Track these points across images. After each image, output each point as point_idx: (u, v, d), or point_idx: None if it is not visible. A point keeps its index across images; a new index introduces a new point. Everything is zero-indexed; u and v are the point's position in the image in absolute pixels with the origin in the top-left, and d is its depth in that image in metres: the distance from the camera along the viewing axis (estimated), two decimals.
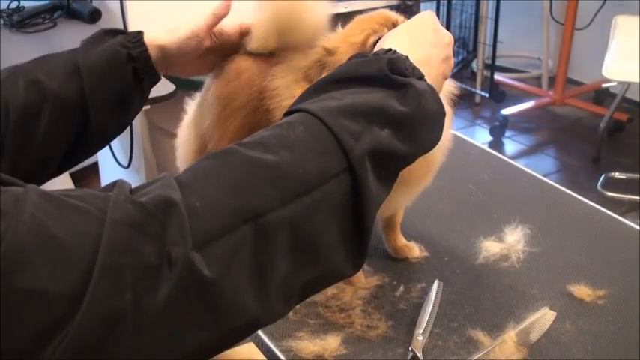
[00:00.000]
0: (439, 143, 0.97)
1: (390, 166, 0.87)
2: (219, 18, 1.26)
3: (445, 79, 1.04)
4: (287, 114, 0.87)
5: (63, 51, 1.20)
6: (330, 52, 1.17)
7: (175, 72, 1.32)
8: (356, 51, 1.15)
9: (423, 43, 1.00)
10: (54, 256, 0.65)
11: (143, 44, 1.21)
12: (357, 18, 1.22)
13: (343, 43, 1.18)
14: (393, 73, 0.89)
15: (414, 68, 0.92)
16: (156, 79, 1.24)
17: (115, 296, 0.66)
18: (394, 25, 1.17)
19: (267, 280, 0.76)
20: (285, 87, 1.19)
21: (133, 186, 0.76)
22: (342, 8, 2.86)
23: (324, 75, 1.12)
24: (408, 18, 1.13)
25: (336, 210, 0.80)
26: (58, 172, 1.22)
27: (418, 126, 0.89)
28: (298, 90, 1.16)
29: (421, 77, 0.92)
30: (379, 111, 0.85)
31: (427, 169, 1.24)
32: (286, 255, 0.76)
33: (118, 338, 0.66)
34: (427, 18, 1.06)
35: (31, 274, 0.64)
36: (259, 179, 0.76)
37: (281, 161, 0.78)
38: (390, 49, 0.94)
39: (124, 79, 1.18)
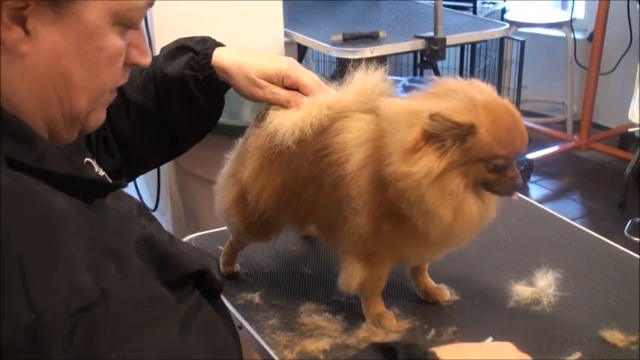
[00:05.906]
0: (490, 216, 1.28)
1: None
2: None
3: None
4: None
5: None
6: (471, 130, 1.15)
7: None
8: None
9: None
10: None
11: (210, 67, 1.28)
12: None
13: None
14: None
15: None
16: (226, 88, 1.33)
17: None
18: None
19: None
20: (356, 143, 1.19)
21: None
22: (369, 53, 2.89)
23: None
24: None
25: None
26: (159, 162, 1.59)
27: None
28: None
29: None
30: None
31: (468, 237, 1.28)
32: None
33: None
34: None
35: None
36: None
37: None
38: None
39: (192, 96, 1.30)
